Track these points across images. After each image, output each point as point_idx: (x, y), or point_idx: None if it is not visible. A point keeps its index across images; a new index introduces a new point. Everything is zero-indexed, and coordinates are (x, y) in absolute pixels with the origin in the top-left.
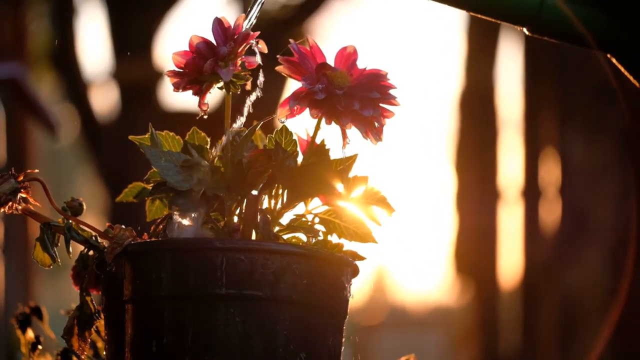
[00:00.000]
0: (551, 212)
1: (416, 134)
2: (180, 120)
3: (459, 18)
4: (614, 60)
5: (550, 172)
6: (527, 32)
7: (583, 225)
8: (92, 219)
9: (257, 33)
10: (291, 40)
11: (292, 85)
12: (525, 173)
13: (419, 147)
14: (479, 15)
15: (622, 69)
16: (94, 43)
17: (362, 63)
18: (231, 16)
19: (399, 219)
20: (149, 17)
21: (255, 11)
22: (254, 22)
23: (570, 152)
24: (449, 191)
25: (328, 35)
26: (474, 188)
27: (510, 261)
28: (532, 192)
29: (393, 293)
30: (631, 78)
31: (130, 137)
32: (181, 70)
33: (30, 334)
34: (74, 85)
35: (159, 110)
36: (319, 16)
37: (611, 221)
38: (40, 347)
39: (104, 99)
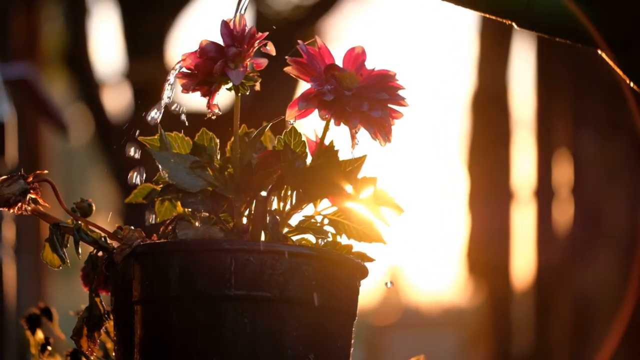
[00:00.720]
0: (564, 213)
1: (429, 135)
2: (194, 121)
3: (471, 18)
4: (604, 57)
5: (563, 173)
6: (515, 26)
7: (596, 226)
8: (105, 220)
9: (266, 34)
10: (299, 42)
11: (303, 86)
12: (538, 174)
13: (432, 147)
14: (467, 8)
15: (613, 65)
16: (106, 43)
17: (371, 63)
18: (244, 16)
19: (412, 219)
20: (162, 17)
21: (241, 9)
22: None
23: (583, 152)
24: (461, 192)
25: (341, 36)
26: (486, 189)
27: (523, 262)
28: (544, 193)
29: (406, 293)
30: (621, 74)
31: (140, 138)
32: (190, 72)
33: (39, 334)
34: (87, 86)
35: (171, 111)
36: (332, 17)
37: (624, 222)
38: (49, 348)
39: (117, 99)
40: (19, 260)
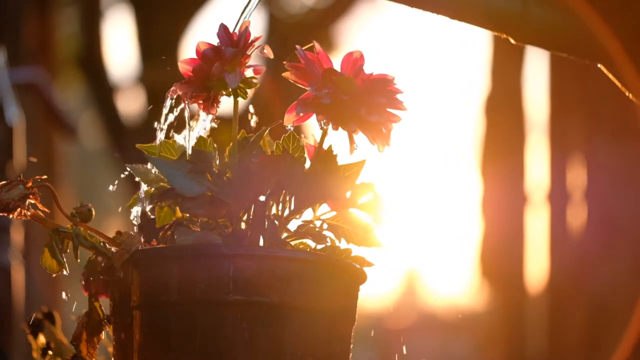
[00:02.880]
0: (578, 216)
1: (443, 139)
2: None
3: None
4: (604, 70)
5: (577, 176)
6: (512, 40)
7: (610, 229)
8: (120, 224)
9: (261, 37)
10: (297, 47)
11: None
12: (552, 177)
13: (446, 150)
14: (463, 22)
15: (613, 78)
16: (120, 47)
17: (370, 68)
18: (257, 20)
19: (425, 223)
20: (175, 20)
21: (250, 11)
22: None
23: (597, 156)
24: (475, 196)
25: (354, 39)
26: (500, 192)
27: (537, 266)
28: (558, 196)
29: (422, 297)
30: (621, 87)
31: (137, 145)
32: (188, 79)
33: (41, 339)
34: (101, 89)
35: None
36: (346, 20)
37: (638, 225)
38: (50, 352)
39: (130, 103)
40: (28, 265)
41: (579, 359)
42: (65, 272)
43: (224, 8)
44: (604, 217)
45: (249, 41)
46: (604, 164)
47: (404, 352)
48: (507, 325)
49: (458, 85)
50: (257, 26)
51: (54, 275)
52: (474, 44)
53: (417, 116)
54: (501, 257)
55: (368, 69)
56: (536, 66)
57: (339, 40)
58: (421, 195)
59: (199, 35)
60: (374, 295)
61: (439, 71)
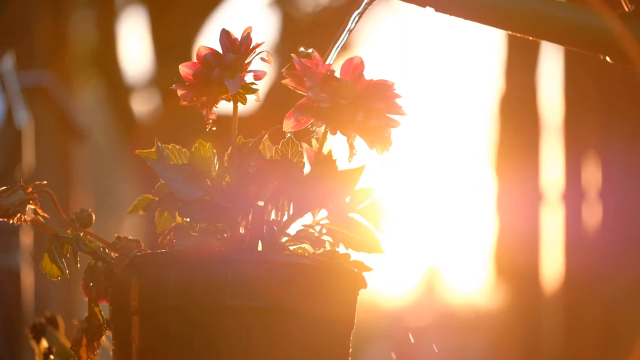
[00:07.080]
0: (593, 215)
1: (458, 139)
2: (222, 125)
3: None
4: None
5: (592, 175)
6: (609, 60)
7: (625, 229)
8: (131, 227)
9: (263, 43)
10: (293, 55)
11: None
12: (567, 175)
13: (461, 150)
14: (557, 44)
15: None
16: (134, 48)
17: (374, 73)
18: (270, 21)
19: (441, 223)
20: (190, 21)
21: (338, 45)
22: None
23: (612, 154)
24: (490, 194)
25: (369, 38)
26: (515, 191)
27: (553, 264)
28: (573, 195)
29: (441, 295)
30: None
31: (137, 152)
32: (189, 83)
33: (44, 344)
34: (115, 91)
35: (199, 115)
36: (360, 18)
37: None
38: (52, 357)
39: (145, 104)
40: (37, 268)
41: (595, 357)
42: (61, 277)
43: (238, 9)
44: (619, 216)
45: (251, 47)
46: (619, 163)
47: (422, 350)
48: (523, 323)
49: (473, 84)
50: (272, 25)
51: (54, 280)
52: (488, 44)
53: (432, 116)
54: (517, 255)
55: (369, 74)
56: (551, 65)
57: (354, 39)
58: (437, 196)
59: (213, 36)
60: (393, 294)
61: (454, 70)
